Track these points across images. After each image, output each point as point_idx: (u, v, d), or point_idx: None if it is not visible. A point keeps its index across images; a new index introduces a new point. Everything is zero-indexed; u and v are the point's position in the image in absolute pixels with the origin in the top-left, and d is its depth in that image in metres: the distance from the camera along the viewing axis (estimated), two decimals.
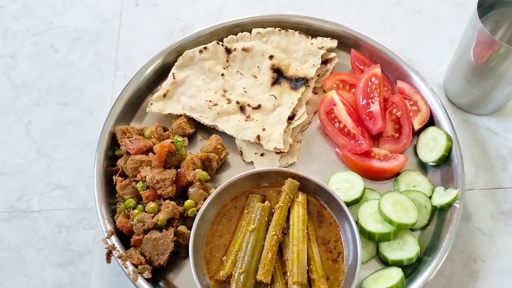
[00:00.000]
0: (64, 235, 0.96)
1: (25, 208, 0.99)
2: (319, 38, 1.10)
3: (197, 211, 0.87)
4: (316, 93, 1.08)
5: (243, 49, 1.08)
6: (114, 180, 0.94)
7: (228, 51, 1.09)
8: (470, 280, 0.91)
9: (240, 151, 1.02)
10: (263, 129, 1.00)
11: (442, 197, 0.92)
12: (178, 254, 0.90)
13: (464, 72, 1.00)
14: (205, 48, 1.08)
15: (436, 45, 1.18)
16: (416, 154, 1.00)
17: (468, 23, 0.95)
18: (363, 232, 0.89)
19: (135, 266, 0.85)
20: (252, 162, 1.00)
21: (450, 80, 1.08)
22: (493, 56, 0.91)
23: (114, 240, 0.88)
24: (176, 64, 1.07)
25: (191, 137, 1.02)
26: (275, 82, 1.06)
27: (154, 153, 0.92)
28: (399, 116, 1.01)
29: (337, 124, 1.02)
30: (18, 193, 1.01)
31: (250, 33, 1.10)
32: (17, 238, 0.96)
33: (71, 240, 0.96)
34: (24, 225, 0.97)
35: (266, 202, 0.90)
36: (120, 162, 0.95)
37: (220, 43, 1.09)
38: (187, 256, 0.84)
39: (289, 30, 1.10)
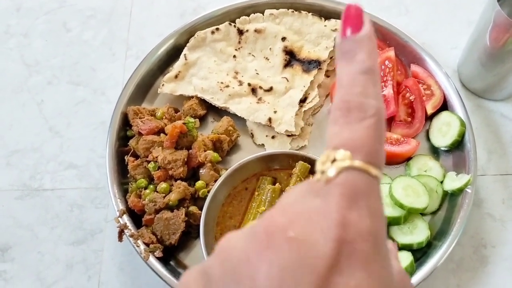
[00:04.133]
0: (76, 214, 0.97)
1: (38, 186, 1.00)
2: (333, 20, 1.08)
3: (208, 192, 0.88)
4: (328, 76, 1.07)
5: (255, 31, 1.07)
6: (126, 160, 0.94)
7: (240, 32, 1.08)
8: (480, 265, 0.91)
9: (251, 133, 1.01)
10: (275, 112, 0.99)
11: (453, 182, 0.91)
12: (189, 234, 0.90)
13: (480, 56, 0.99)
14: (217, 29, 1.07)
15: (451, 28, 1.15)
16: (428, 138, 0.99)
17: (485, 6, 0.93)
18: None
19: (147, 245, 0.86)
20: (263, 145, 1.00)
21: (465, 64, 1.06)
22: (510, 39, 0.89)
23: (126, 219, 0.89)
24: (188, 45, 1.07)
25: (202, 119, 1.02)
26: (287, 64, 1.05)
27: (166, 134, 0.92)
28: (412, 100, 1.00)
29: None
30: (30, 172, 1.01)
31: (263, 14, 1.09)
32: (30, 216, 0.97)
33: (84, 218, 0.97)
34: (37, 203, 0.98)
35: (277, 184, 0.90)
36: (132, 143, 0.95)
37: (232, 24, 1.08)
38: (198, 236, 0.85)
39: (302, 11, 1.08)
